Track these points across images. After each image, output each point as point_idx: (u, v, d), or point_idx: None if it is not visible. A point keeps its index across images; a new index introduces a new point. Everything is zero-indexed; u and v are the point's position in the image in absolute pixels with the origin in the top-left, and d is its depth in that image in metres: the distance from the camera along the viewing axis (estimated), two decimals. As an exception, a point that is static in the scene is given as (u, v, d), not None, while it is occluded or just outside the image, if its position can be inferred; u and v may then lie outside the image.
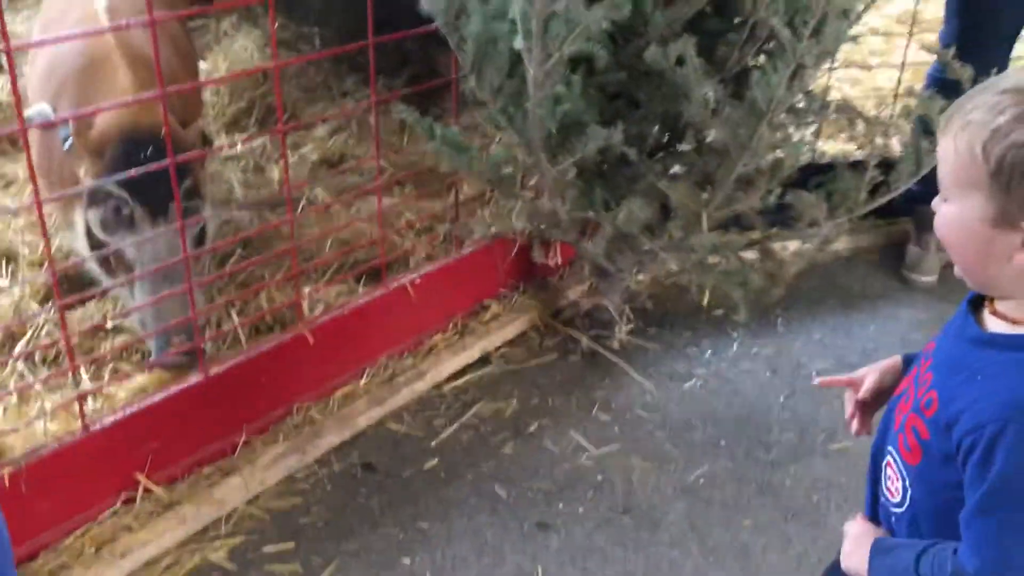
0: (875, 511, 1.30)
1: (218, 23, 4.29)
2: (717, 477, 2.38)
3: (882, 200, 2.46)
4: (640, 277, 3.06)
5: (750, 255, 2.59)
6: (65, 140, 2.22)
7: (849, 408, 1.38)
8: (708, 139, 2.41)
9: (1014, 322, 1.09)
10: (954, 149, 1.04)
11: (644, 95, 2.27)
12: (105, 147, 2.20)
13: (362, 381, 2.57)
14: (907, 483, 1.18)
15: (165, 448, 2.17)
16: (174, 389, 2.19)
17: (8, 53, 1.71)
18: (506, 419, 2.56)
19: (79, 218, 2.31)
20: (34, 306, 2.47)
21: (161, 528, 2.08)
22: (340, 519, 2.23)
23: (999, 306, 1.11)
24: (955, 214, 1.07)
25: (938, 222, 1.11)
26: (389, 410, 2.55)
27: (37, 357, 2.32)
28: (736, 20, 2.30)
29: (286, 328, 2.46)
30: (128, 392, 2.25)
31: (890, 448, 1.22)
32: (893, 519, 1.24)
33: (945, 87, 2.32)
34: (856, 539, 1.26)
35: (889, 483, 1.22)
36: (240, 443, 2.31)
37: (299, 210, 2.96)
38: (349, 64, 3.81)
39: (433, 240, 2.88)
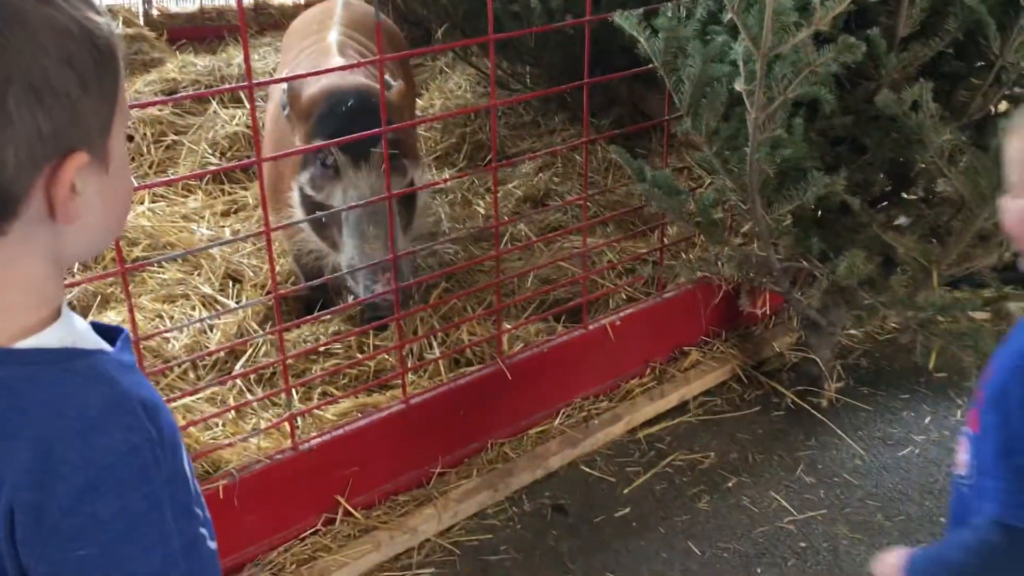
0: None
1: (434, 61, 4.46)
2: (934, 556, 2.18)
3: None
4: (853, 332, 2.88)
5: (980, 315, 2.39)
6: (284, 109, 2.44)
7: None
8: (938, 189, 2.25)
9: None
10: None
11: (871, 141, 2.14)
12: (312, 108, 2.38)
13: (556, 421, 2.55)
14: (972, 453, 1.23)
15: (365, 473, 2.23)
16: (376, 415, 2.25)
17: (250, 89, 1.82)
18: (702, 472, 2.46)
19: (294, 186, 2.46)
20: (254, 327, 2.60)
21: (357, 552, 2.12)
22: (529, 560, 2.20)
23: None
24: None
25: (1010, 219, 1.15)
26: (582, 452, 2.51)
27: (252, 376, 2.44)
28: (978, 64, 2.13)
29: (484, 363, 2.48)
30: (335, 415, 2.33)
31: (965, 427, 1.28)
32: (965, 491, 1.27)
33: None
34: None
35: (960, 457, 1.27)
36: (435, 474, 2.34)
37: (502, 246, 2.99)
38: (557, 102, 3.85)
39: (635, 282, 2.83)
